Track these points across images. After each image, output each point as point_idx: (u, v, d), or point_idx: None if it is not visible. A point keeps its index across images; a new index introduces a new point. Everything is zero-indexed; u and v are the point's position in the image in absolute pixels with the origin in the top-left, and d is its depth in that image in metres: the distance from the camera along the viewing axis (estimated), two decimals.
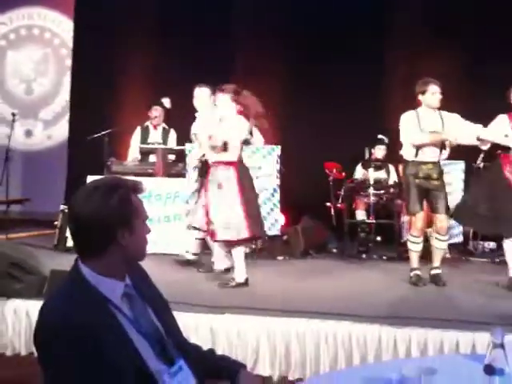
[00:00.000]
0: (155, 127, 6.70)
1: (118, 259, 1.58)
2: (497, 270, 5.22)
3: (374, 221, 6.35)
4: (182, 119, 6.02)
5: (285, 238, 6.39)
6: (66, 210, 5.54)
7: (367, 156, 6.82)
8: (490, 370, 1.41)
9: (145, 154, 6.52)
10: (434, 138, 4.65)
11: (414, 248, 4.82)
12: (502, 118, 4.61)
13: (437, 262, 4.80)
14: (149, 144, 6.59)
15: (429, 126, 4.68)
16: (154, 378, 1.54)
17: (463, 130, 4.63)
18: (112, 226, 1.54)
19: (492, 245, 6.23)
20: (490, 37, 6.84)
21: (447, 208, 4.77)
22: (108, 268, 1.57)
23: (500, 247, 5.48)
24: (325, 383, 1.65)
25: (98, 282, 1.55)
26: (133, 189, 1.61)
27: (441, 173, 4.79)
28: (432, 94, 4.64)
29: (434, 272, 4.78)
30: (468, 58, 6.82)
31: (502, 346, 1.42)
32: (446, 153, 4.84)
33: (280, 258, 6.06)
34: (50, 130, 9.53)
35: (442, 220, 4.73)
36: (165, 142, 6.62)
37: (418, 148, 4.68)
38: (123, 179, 1.66)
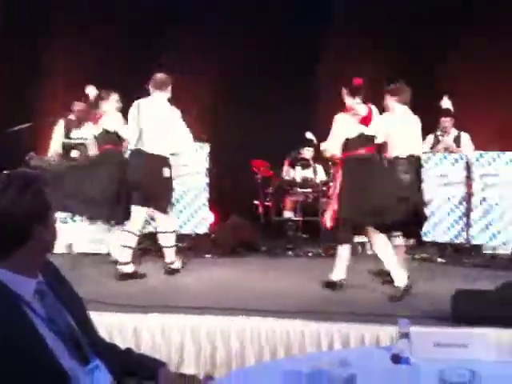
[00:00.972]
0: (79, 121, 6.47)
1: (31, 255, 1.54)
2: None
3: (300, 218, 6.47)
4: None
5: (213, 236, 6.40)
6: None
7: (293, 156, 6.94)
8: (396, 359, 1.48)
9: (67, 149, 6.32)
10: None
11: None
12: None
13: None
14: (72, 139, 6.38)
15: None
16: (68, 377, 1.51)
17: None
18: (28, 222, 1.50)
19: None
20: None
21: None
22: (20, 265, 1.52)
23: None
24: (237, 380, 1.67)
25: (8, 279, 1.50)
26: (44, 182, 1.57)
27: None
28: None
29: None
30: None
31: (407, 336, 1.49)
32: None
33: (208, 256, 6.06)
34: None
35: None
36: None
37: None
38: (34, 172, 1.61)
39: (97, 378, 1.58)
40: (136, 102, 5.04)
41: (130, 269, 4.92)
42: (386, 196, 4.29)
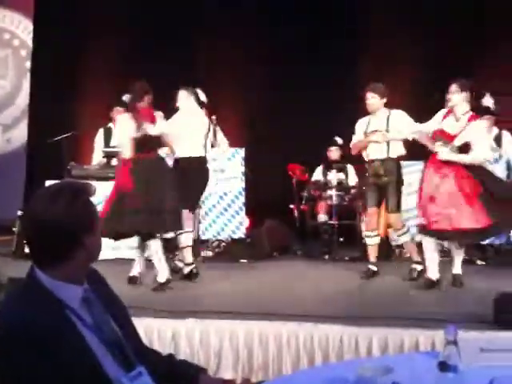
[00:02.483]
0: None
1: (79, 263, 1.56)
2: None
3: (336, 222, 6.42)
4: None
5: (249, 240, 6.41)
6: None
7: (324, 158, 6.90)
8: (444, 366, 1.44)
9: (108, 157, 6.39)
10: (367, 139, 4.92)
11: (368, 242, 5.09)
12: (439, 113, 4.64)
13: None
14: (111, 147, 6.44)
15: (373, 127, 4.94)
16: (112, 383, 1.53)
17: (406, 126, 4.83)
18: (78, 231, 1.53)
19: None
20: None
21: (398, 205, 4.93)
22: (68, 273, 1.54)
23: None
24: None
25: (55, 287, 1.53)
26: (91, 192, 1.60)
27: (391, 170, 4.91)
28: (366, 101, 4.92)
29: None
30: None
31: (455, 343, 1.45)
32: (398, 150, 4.95)
33: (243, 260, 6.07)
34: (10, 133, 9.31)
35: (390, 217, 5.00)
36: None
37: (362, 148, 5.01)
38: (81, 183, 1.64)
39: None
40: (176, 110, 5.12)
41: (189, 269, 4.99)
42: None
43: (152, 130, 4.68)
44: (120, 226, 4.50)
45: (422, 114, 4.84)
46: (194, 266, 5.06)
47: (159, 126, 4.73)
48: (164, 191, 4.59)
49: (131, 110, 4.73)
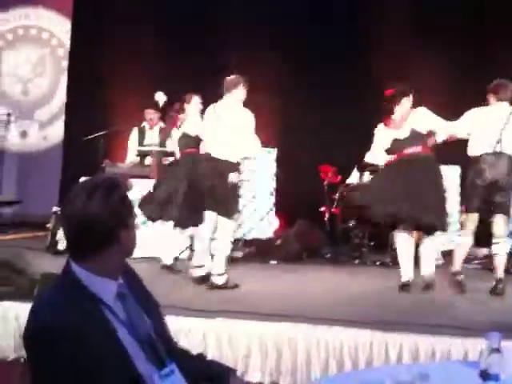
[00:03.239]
0: (151, 127, 6.62)
1: (115, 258, 1.57)
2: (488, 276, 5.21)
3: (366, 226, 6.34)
4: None
5: (278, 241, 6.38)
6: (59, 212, 5.48)
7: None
8: (485, 375, 1.40)
9: (142, 156, 6.45)
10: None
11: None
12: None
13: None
14: (145, 146, 6.48)
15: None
16: (144, 381, 1.53)
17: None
18: (114, 225, 1.54)
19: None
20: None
21: None
22: (105, 267, 1.56)
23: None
24: None
25: (91, 282, 1.54)
26: (127, 186, 1.61)
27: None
28: None
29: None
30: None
31: (498, 350, 1.40)
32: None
33: (273, 262, 6.05)
34: (46, 130, 9.49)
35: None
36: (163, 141, 6.16)
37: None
38: (117, 178, 1.65)
39: (171, 382, 1.59)
40: (211, 106, 4.98)
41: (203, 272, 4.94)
42: None
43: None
44: None
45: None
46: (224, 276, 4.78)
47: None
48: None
49: None
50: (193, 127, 5.31)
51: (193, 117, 5.36)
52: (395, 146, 4.73)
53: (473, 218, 4.71)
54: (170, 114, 5.69)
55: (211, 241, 4.96)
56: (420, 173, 4.62)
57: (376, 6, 7.36)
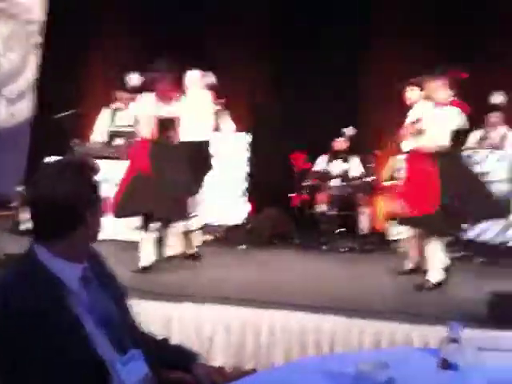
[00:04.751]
0: (123, 109, 6.51)
1: (81, 241, 1.55)
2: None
3: (335, 213, 6.39)
4: None
5: (248, 226, 6.38)
6: (25, 192, 5.36)
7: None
8: (445, 364, 1.42)
9: (112, 136, 6.36)
10: None
11: None
12: None
13: None
14: (117, 127, 6.40)
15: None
16: (106, 366, 1.51)
17: None
18: (83, 205, 1.52)
19: None
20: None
21: None
22: (70, 250, 1.53)
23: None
24: (282, 374, 1.65)
25: (54, 264, 1.51)
26: (96, 169, 1.58)
27: None
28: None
29: None
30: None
31: (458, 340, 1.43)
32: None
33: (242, 247, 6.05)
34: (14, 107, 9.25)
35: None
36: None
37: None
38: (86, 160, 1.62)
39: (133, 368, 1.58)
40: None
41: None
42: None
43: (168, 111, 4.58)
44: (135, 207, 4.46)
45: None
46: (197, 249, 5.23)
47: (174, 108, 4.65)
48: (179, 176, 4.54)
49: (153, 89, 4.60)
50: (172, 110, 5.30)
51: None
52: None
53: None
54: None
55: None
56: None
57: None
